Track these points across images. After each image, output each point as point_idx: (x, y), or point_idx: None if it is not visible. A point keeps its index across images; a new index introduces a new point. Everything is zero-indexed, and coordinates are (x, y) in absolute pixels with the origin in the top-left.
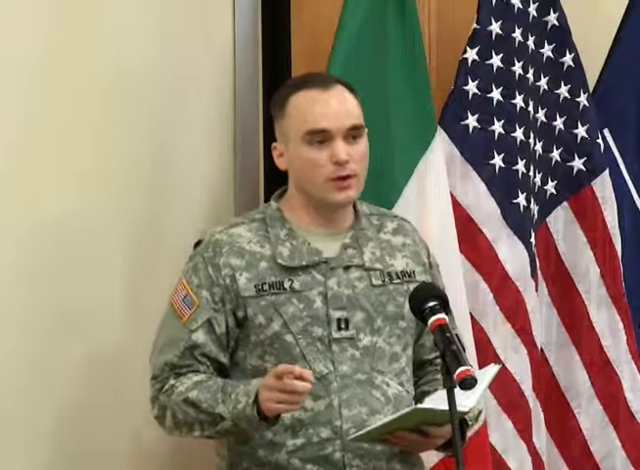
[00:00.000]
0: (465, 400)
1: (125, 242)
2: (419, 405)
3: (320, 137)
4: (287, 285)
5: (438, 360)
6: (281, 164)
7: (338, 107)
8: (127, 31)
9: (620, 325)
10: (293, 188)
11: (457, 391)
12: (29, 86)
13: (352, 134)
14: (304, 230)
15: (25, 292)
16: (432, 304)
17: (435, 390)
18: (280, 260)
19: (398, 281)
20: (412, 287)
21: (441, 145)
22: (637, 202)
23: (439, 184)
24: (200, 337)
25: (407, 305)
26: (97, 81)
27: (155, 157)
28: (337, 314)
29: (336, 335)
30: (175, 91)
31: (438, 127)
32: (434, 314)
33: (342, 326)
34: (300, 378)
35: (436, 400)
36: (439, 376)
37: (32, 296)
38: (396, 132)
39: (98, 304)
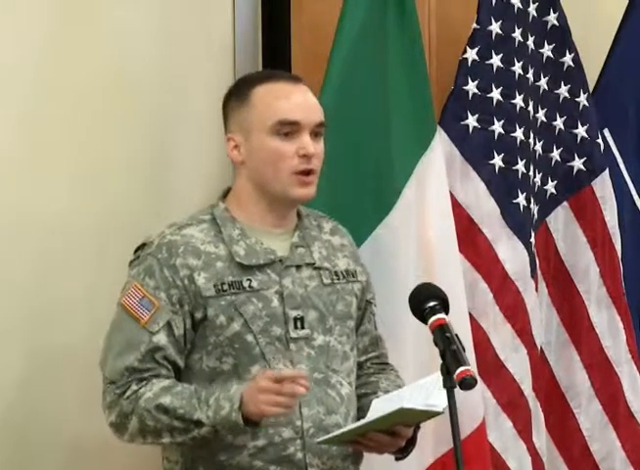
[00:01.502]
0: (433, 401)
1: (125, 242)
2: (405, 405)
3: (289, 129)
4: (245, 284)
5: (370, 363)
6: (236, 156)
7: (308, 101)
8: (127, 31)
9: (620, 325)
10: (246, 183)
11: (416, 392)
12: (29, 86)
13: (317, 131)
14: (254, 229)
15: (24, 288)
16: (432, 303)
17: (375, 392)
18: (238, 259)
19: (344, 280)
20: (356, 287)
21: (441, 145)
22: (637, 202)
23: (439, 184)
24: (161, 339)
25: (354, 305)
26: (97, 81)
27: (155, 157)
28: (293, 313)
29: (293, 334)
30: (175, 91)
31: (438, 127)
32: (435, 314)
33: (299, 325)
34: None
35: (396, 401)
36: (373, 379)
37: (31, 292)
38: (396, 132)
39: (97, 303)
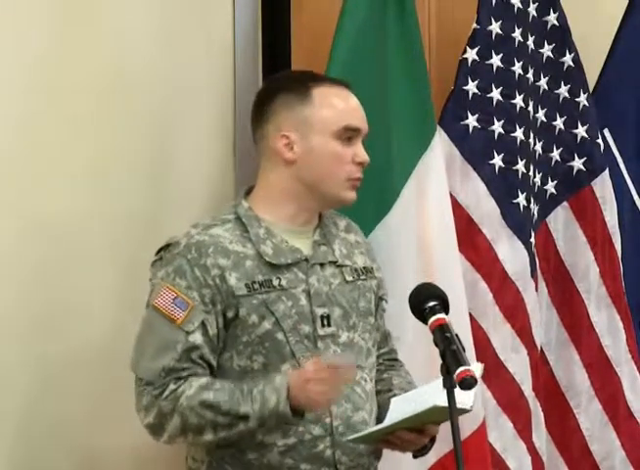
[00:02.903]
0: (463, 399)
1: (125, 242)
2: (438, 403)
3: (350, 134)
4: (275, 283)
5: (381, 359)
6: (289, 153)
7: (361, 108)
8: (127, 31)
9: (620, 325)
10: (289, 182)
11: (438, 390)
12: (29, 86)
13: (363, 139)
14: (278, 228)
15: (24, 290)
16: (432, 303)
17: (389, 389)
18: (267, 259)
19: (364, 277)
20: (373, 283)
21: (441, 145)
22: (637, 202)
23: (439, 184)
24: (197, 338)
25: (373, 302)
26: (97, 81)
27: (155, 157)
28: (320, 311)
29: (320, 332)
30: (175, 91)
31: (438, 127)
32: (434, 314)
33: (325, 323)
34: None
35: (422, 399)
36: (385, 375)
37: (31, 294)
38: (396, 132)
39: (96, 304)
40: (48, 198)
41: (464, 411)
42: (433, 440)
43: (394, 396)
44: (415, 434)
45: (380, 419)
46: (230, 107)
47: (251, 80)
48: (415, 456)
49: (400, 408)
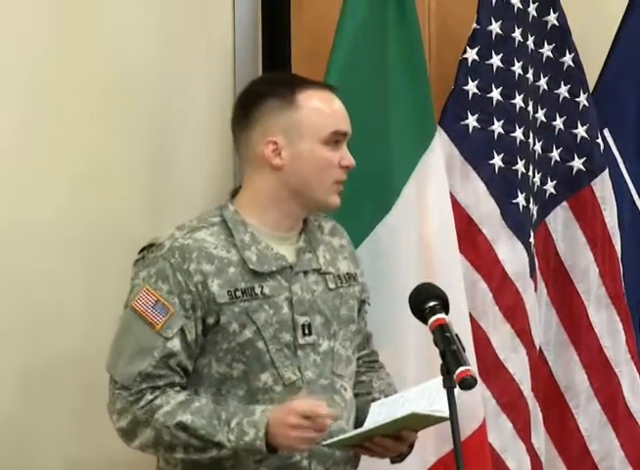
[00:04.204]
0: (438, 406)
1: (125, 242)
2: (416, 410)
3: (338, 138)
4: (258, 291)
5: (361, 362)
6: (277, 160)
7: (345, 111)
8: (127, 31)
9: (620, 325)
10: (275, 187)
11: (419, 396)
12: (29, 86)
13: (347, 142)
14: (263, 233)
15: (23, 290)
16: (432, 303)
17: (369, 393)
18: (251, 266)
19: (347, 284)
20: (357, 290)
21: (441, 145)
22: (637, 202)
23: (439, 184)
24: (176, 345)
25: (356, 308)
26: (97, 81)
27: (155, 157)
28: (301, 320)
29: (301, 341)
30: (175, 91)
31: (438, 127)
32: (434, 314)
33: (306, 332)
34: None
35: (401, 406)
36: (364, 378)
37: (30, 294)
38: (396, 132)
39: (96, 304)
40: (47, 198)
41: (444, 419)
42: (411, 446)
43: (374, 399)
44: (392, 441)
45: (358, 422)
46: (230, 107)
47: None
48: (393, 462)
49: (379, 413)
